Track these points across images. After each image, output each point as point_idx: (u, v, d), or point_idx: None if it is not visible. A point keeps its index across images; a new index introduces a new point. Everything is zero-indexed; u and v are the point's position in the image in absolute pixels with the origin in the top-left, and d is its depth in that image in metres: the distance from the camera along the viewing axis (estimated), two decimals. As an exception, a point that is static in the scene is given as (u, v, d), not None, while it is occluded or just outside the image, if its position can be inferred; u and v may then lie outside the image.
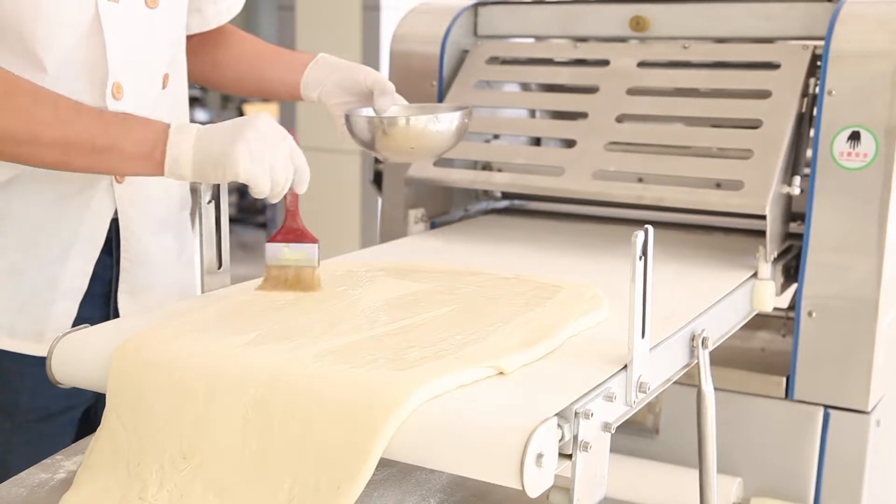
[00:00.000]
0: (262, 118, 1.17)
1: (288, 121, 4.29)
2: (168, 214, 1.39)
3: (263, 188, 1.14)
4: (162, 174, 1.15)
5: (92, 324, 1.13)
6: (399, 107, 1.38)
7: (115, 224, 1.32)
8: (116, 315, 1.32)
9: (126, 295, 1.34)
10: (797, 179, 1.49)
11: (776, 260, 1.48)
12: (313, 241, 1.22)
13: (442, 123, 1.32)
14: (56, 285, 1.29)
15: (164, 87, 1.35)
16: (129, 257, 1.32)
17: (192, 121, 1.39)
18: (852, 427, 1.51)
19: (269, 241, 1.22)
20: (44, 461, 1.02)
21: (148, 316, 1.16)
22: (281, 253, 1.22)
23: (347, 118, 1.34)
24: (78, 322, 1.28)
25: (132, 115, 1.18)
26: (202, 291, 1.24)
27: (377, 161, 1.86)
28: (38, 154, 1.15)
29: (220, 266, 1.24)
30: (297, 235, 1.22)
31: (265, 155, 1.14)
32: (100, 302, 1.33)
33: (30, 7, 1.18)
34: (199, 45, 1.50)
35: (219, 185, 1.21)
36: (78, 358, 1.05)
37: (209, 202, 1.21)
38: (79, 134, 1.14)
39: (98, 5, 1.22)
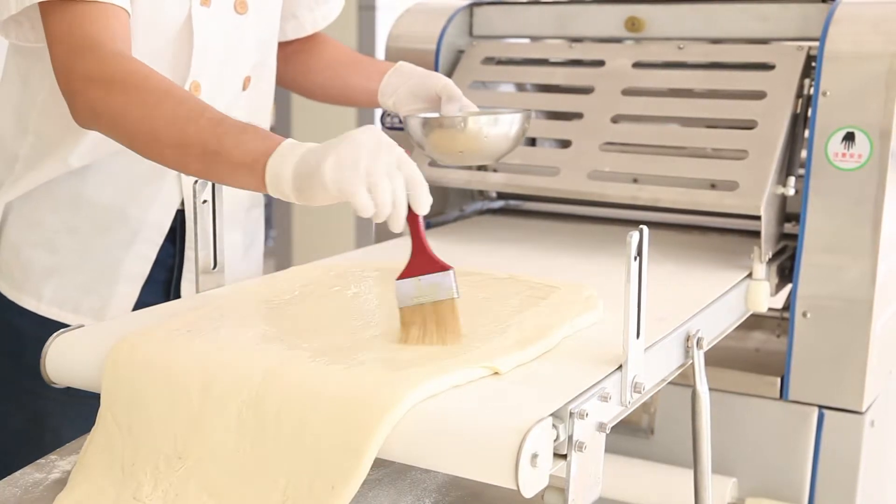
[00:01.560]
0: (364, 129, 1.03)
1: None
2: (234, 210, 1.43)
3: (361, 200, 0.98)
4: (264, 190, 1.06)
5: None
6: (465, 112, 1.36)
7: (180, 214, 1.39)
8: None
9: (188, 283, 1.41)
10: (792, 180, 1.49)
11: (771, 260, 1.48)
12: (445, 268, 1.03)
13: (496, 126, 1.26)
14: (120, 268, 1.37)
15: (244, 88, 1.40)
16: (192, 246, 1.34)
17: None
18: (847, 427, 1.51)
19: (398, 279, 1.03)
20: (38, 461, 1.02)
21: (143, 316, 1.16)
22: (415, 290, 1.02)
23: (404, 120, 1.34)
24: (139, 306, 1.36)
25: (255, 127, 1.10)
26: (197, 291, 1.24)
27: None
28: (160, 151, 1.13)
29: (214, 266, 1.24)
30: (427, 264, 1.03)
31: (360, 164, 0.98)
32: (161, 288, 1.41)
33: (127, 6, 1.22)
34: (293, 51, 1.55)
35: (214, 184, 1.21)
36: (73, 357, 1.05)
37: (204, 202, 1.21)
38: (195, 135, 1.09)
39: (192, 8, 1.27)
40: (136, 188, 1.36)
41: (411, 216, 1.02)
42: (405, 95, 1.42)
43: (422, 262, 1.03)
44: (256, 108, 1.45)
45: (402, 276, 1.02)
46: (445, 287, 1.02)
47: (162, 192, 1.37)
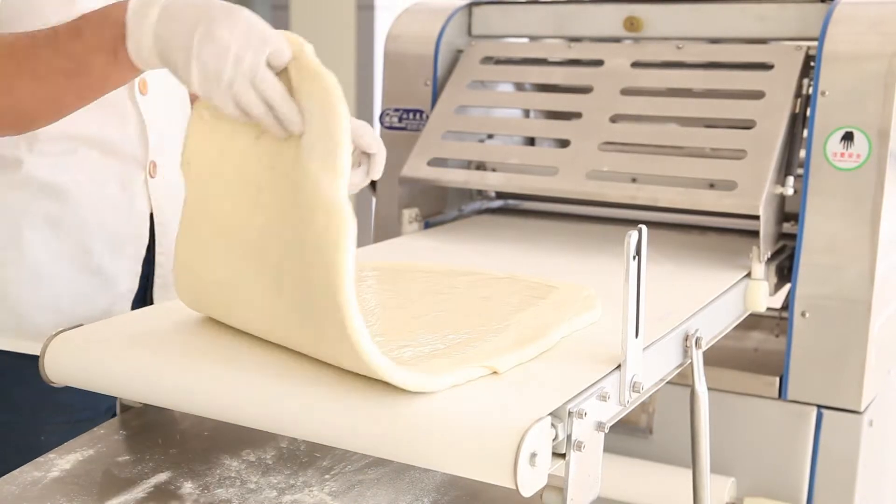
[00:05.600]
0: (235, 14, 0.94)
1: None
2: None
3: (232, 113, 0.94)
4: (138, 72, 1.01)
5: None
6: None
7: (150, 220, 1.32)
8: None
9: (161, 290, 1.34)
10: (790, 180, 1.49)
11: (769, 260, 1.48)
12: None
13: None
14: (113, 289, 1.28)
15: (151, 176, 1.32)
16: (164, 251, 1.32)
17: None
18: (845, 427, 1.51)
19: None
20: (37, 459, 1.02)
21: (142, 316, 1.15)
22: None
23: None
24: None
25: (83, 17, 1.02)
26: (170, 298, 1.24)
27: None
28: (30, 118, 1.07)
29: None
30: None
31: (223, 77, 0.92)
32: (139, 297, 1.33)
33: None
34: None
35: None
36: (71, 357, 1.05)
37: None
38: (47, 72, 1.02)
39: None
40: (110, 203, 1.26)
41: None
42: None
43: None
44: None
45: None
46: None
47: (135, 201, 1.29)
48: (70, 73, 1.02)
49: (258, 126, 0.96)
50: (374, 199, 1.93)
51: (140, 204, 1.29)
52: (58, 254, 1.24)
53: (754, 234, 1.47)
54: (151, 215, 1.31)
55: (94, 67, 1.01)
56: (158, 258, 1.33)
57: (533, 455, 0.81)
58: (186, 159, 1.04)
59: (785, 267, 1.55)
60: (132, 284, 1.30)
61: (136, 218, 1.29)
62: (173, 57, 0.95)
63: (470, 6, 1.88)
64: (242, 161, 0.99)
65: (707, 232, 1.75)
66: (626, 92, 1.67)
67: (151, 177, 1.29)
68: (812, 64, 1.53)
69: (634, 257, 0.95)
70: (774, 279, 1.51)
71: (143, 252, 1.30)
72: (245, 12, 0.94)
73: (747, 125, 1.53)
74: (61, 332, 1.07)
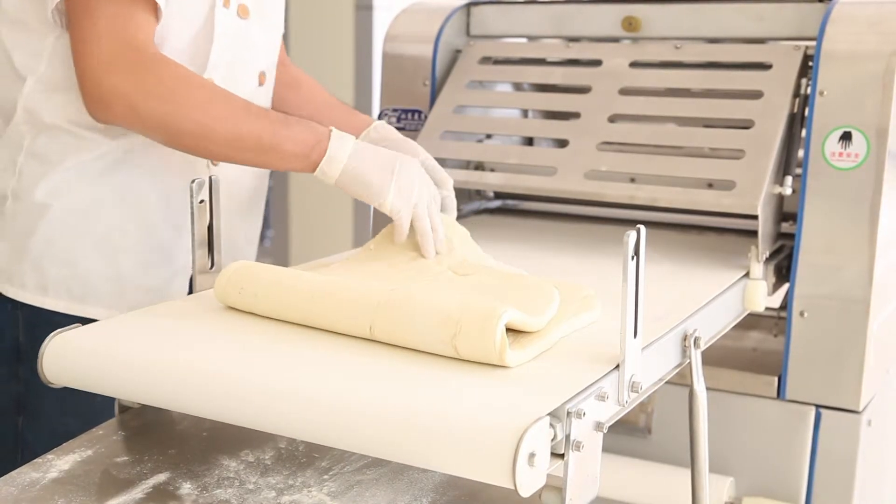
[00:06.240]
0: (413, 162, 1.33)
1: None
2: (245, 199, 1.48)
3: (406, 226, 1.30)
4: (313, 171, 1.28)
5: None
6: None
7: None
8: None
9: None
10: (789, 179, 1.49)
11: (768, 260, 1.48)
12: None
13: None
14: (173, 263, 1.38)
15: (260, 84, 1.46)
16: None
17: None
18: (844, 427, 1.51)
19: None
20: (35, 460, 1.02)
21: (140, 316, 1.15)
22: None
23: None
24: None
25: (293, 117, 1.30)
26: (194, 291, 1.24)
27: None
28: (208, 148, 1.26)
29: (212, 266, 1.24)
30: None
31: (412, 197, 1.30)
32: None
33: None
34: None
35: (211, 184, 1.21)
36: (69, 358, 1.05)
37: (201, 202, 1.21)
38: (249, 131, 1.25)
39: (215, 8, 1.34)
40: (173, 184, 1.37)
41: None
42: None
43: None
44: (269, 104, 1.50)
45: None
46: None
47: (199, 175, 1.35)
48: (266, 137, 1.26)
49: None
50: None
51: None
52: (125, 225, 1.35)
53: (753, 233, 1.47)
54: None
55: (285, 150, 1.27)
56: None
57: (531, 455, 0.81)
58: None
59: (783, 266, 1.55)
60: (188, 260, 1.38)
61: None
62: (368, 178, 1.29)
63: (468, 6, 1.88)
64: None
65: (706, 232, 1.75)
66: (624, 92, 1.67)
67: (214, 164, 1.41)
68: (810, 64, 1.53)
69: (633, 257, 0.95)
70: (773, 279, 1.51)
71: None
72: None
73: (746, 125, 1.53)
74: (60, 332, 1.07)
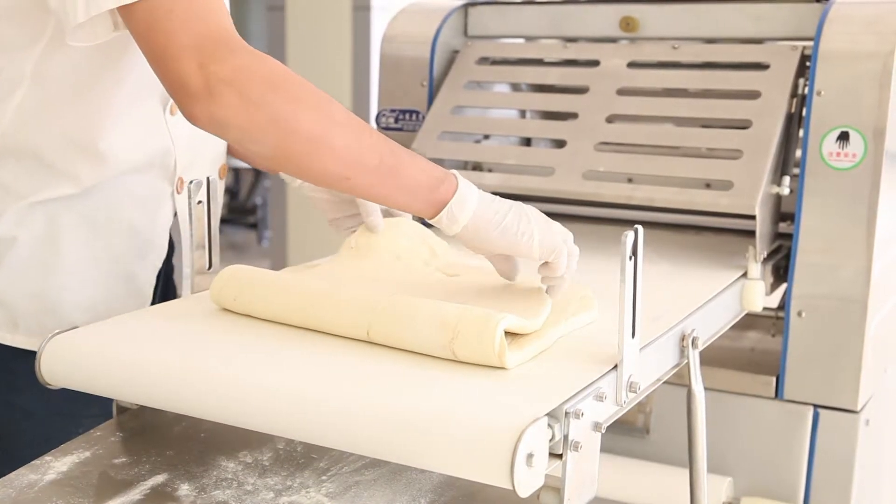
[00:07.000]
0: (533, 209, 1.14)
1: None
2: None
3: (564, 259, 1.12)
4: (430, 214, 1.07)
5: None
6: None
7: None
8: None
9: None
10: (786, 179, 1.50)
11: (766, 260, 1.49)
12: None
13: None
14: (141, 292, 1.34)
15: None
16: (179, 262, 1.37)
17: None
18: (842, 426, 1.51)
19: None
20: (33, 462, 1.01)
21: (140, 317, 1.15)
22: None
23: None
24: None
25: (427, 160, 1.10)
26: (192, 292, 1.24)
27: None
28: (322, 158, 1.03)
29: (209, 267, 1.24)
30: None
31: (556, 233, 1.12)
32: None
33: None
34: None
35: (209, 185, 1.21)
36: (67, 359, 1.05)
37: (199, 203, 1.21)
38: (371, 146, 1.04)
39: None
40: (141, 208, 1.31)
41: None
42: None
43: None
44: None
45: None
46: None
47: (160, 209, 1.33)
48: (387, 157, 1.05)
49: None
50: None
51: (163, 217, 1.35)
52: (92, 255, 1.28)
53: (751, 233, 1.48)
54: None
55: (408, 176, 1.06)
56: (176, 267, 1.39)
57: (530, 455, 0.81)
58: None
59: (781, 267, 1.55)
60: (151, 291, 1.35)
61: (159, 228, 1.35)
62: (493, 234, 1.09)
63: (466, 7, 1.88)
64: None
65: (703, 232, 1.74)
66: (622, 92, 1.67)
67: (178, 192, 1.34)
68: (808, 64, 1.53)
69: (631, 257, 0.95)
70: (771, 279, 1.51)
71: (160, 263, 1.37)
72: None
73: (743, 125, 1.53)
74: (57, 333, 1.07)
